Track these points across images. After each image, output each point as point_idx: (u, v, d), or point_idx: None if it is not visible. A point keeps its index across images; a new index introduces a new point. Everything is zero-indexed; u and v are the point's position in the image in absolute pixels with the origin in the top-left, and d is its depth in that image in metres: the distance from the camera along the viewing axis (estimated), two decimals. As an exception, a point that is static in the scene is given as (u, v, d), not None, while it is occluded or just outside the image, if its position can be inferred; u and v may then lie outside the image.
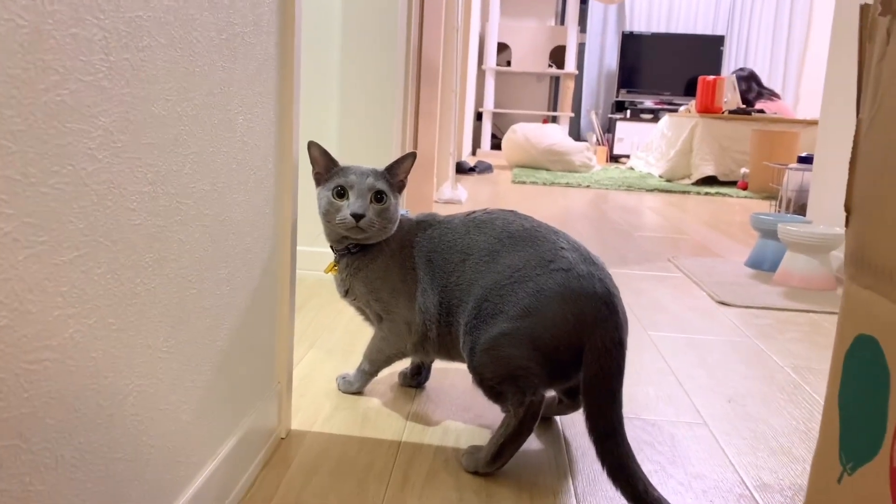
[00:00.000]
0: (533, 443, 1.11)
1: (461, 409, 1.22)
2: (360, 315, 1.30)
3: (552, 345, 0.98)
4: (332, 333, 1.57)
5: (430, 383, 1.32)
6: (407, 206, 2.34)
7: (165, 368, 0.70)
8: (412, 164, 1.21)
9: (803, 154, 3.18)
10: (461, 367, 1.14)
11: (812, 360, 1.57)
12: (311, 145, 1.17)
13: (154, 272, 0.66)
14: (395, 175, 1.18)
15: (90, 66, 0.54)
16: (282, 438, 1.07)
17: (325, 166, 1.18)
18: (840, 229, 2.26)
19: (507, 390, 1.00)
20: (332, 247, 1.25)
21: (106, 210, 0.57)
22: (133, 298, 0.63)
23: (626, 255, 2.63)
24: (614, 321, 0.99)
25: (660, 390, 1.35)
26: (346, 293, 1.25)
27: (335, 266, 1.24)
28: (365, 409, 1.20)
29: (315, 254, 2.01)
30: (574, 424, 1.18)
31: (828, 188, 2.57)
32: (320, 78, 1.96)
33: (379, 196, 1.14)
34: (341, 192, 1.14)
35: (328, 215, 1.16)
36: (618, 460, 0.91)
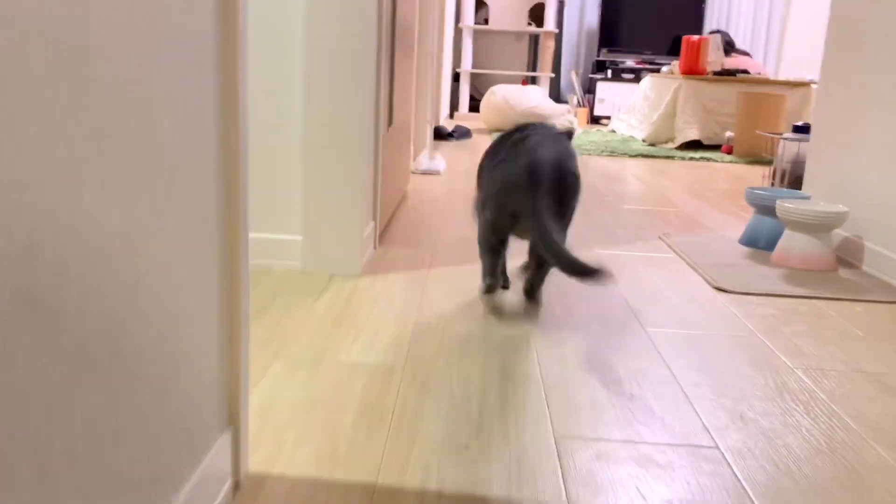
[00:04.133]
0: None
1: (444, 438, 1.09)
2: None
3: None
4: (300, 338, 1.42)
5: (407, 406, 1.18)
6: (382, 178, 2.17)
7: (69, 457, 0.54)
8: None
9: (799, 123, 3.04)
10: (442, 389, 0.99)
11: (823, 359, 1.45)
12: None
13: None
14: None
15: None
16: (234, 489, 0.93)
17: None
18: (842, 207, 2.14)
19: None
20: None
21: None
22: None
23: (616, 233, 2.49)
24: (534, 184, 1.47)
25: (663, 405, 1.22)
26: None
27: None
28: (334, 440, 1.06)
29: (282, 242, 1.85)
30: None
31: (826, 160, 2.44)
32: (281, 48, 1.77)
33: None
34: None
35: None
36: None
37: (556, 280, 1.87)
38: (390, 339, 1.43)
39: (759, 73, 5.66)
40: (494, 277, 1.64)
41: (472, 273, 1.91)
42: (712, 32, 6.36)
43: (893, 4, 2.12)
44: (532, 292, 1.69)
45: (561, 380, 1.29)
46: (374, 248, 2.11)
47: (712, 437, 1.11)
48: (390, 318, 1.55)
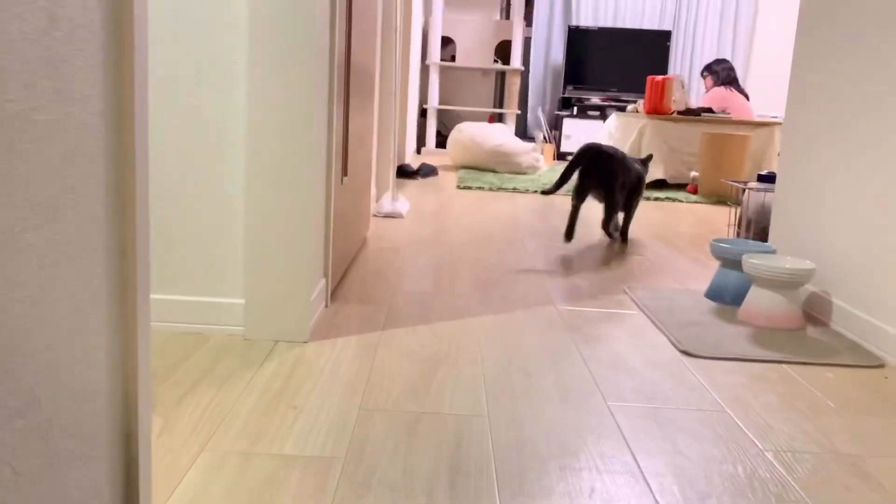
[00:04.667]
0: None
1: (383, 547, 0.97)
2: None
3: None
4: (232, 423, 1.30)
5: (347, 504, 1.07)
6: (335, 230, 2.07)
7: None
8: None
9: (764, 172, 3.01)
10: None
11: (794, 438, 1.37)
12: None
13: None
14: None
15: None
16: None
17: None
18: (810, 263, 2.08)
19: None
20: None
21: None
22: None
23: (580, 285, 2.41)
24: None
25: (625, 498, 1.12)
26: None
27: None
28: (259, 557, 0.94)
29: (222, 306, 1.73)
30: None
31: (791, 212, 2.39)
32: (222, 96, 1.67)
33: None
34: None
35: None
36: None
37: (518, 351, 1.78)
38: (332, 422, 1.32)
39: (725, 113, 5.68)
40: (572, 220, 2.97)
41: (428, 335, 1.81)
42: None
43: (858, 48, 2.09)
44: (623, 235, 3.18)
45: (516, 472, 1.18)
46: (326, 306, 2.00)
47: (679, 544, 1.02)
48: (335, 394, 1.44)
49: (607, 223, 3.03)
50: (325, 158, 1.87)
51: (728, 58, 7.59)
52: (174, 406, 1.35)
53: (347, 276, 2.36)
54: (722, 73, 6.01)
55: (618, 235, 3.16)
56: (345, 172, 2.19)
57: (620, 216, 3.17)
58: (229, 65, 1.66)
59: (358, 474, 1.14)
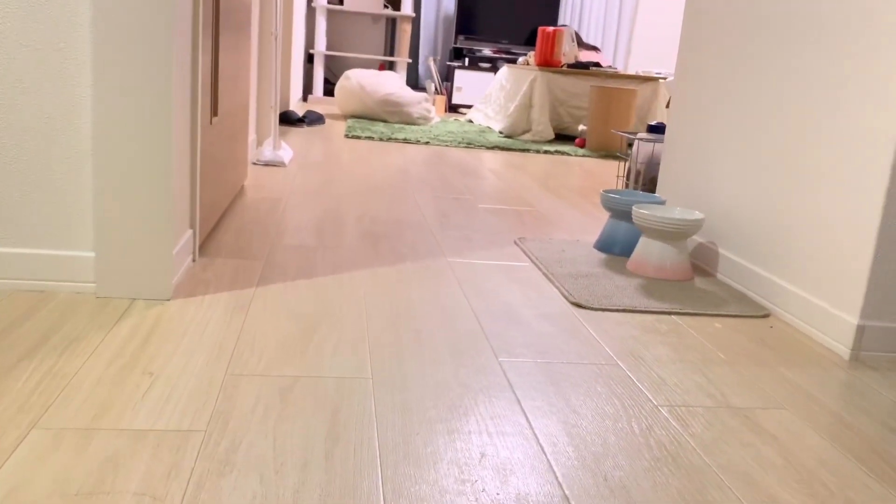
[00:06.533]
0: None
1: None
2: None
3: None
4: (73, 395, 1.12)
5: (200, 493, 0.92)
6: (204, 177, 1.87)
7: None
8: None
9: (654, 122, 3.00)
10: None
11: (688, 392, 1.33)
12: None
13: None
14: None
15: None
16: None
17: None
18: (699, 214, 2.07)
19: None
20: None
21: None
22: None
23: (471, 237, 2.32)
24: None
25: (519, 468, 1.04)
26: None
27: None
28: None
29: (69, 259, 1.52)
30: None
31: (680, 163, 2.38)
32: (65, 28, 1.43)
33: None
34: None
35: None
36: None
37: (407, 307, 1.67)
38: (193, 390, 1.17)
39: (611, 67, 5.72)
40: None
41: (309, 291, 1.67)
42: (561, 25, 6.39)
43: (749, 2, 2.06)
44: None
45: (401, 440, 1.08)
46: (193, 260, 1.81)
47: (575, 512, 0.94)
48: (198, 358, 1.28)
49: None
50: (189, 95, 1.67)
51: (616, 13, 7.66)
52: (3, 376, 1.15)
53: (220, 227, 2.16)
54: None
55: None
56: (214, 112, 1.98)
57: None
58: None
59: (220, 449, 1.00)
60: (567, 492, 0.98)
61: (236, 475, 0.95)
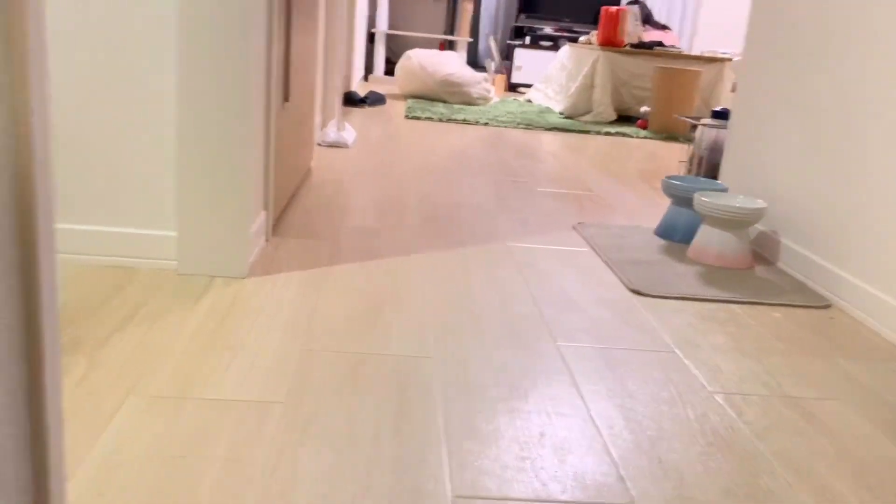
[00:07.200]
0: None
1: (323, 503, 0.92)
2: None
3: None
4: (163, 365, 1.21)
5: (282, 459, 1.01)
6: (277, 160, 1.96)
7: None
8: None
9: (718, 108, 2.97)
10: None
11: (744, 380, 1.36)
12: None
13: None
14: None
15: None
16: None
17: None
18: (761, 202, 2.06)
19: None
20: None
21: None
22: None
23: (528, 220, 2.36)
24: None
25: (576, 449, 1.09)
26: None
27: None
28: (189, 511, 0.87)
29: (153, 238, 1.62)
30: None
31: (743, 150, 2.36)
32: (151, 21, 1.52)
33: None
34: None
35: None
36: None
37: (467, 290, 1.72)
38: (271, 363, 1.25)
39: (675, 47, 5.63)
40: None
41: (374, 271, 1.74)
42: (630, 3, 6.29)
43: (818, -9, 2.03)
44: None
45: (465, 417, 1.14)
46: (267, 240, 1.90)
47: (629, 490, 0.99)
48: (275, 333, 1.37)
49: None
50: (265, 80, 1.75)
51: (682, -9, 7.49)
52: (99, 346, 1.26)
53: (290, 208, 2.26)
54: (641, 16, 6.00)
55: None
56: (286, 97, 2.06)
57: None
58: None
59: (298, 420, 1.08)
60: (622, 472, 1.03)
61: (313, 445, 1.03)
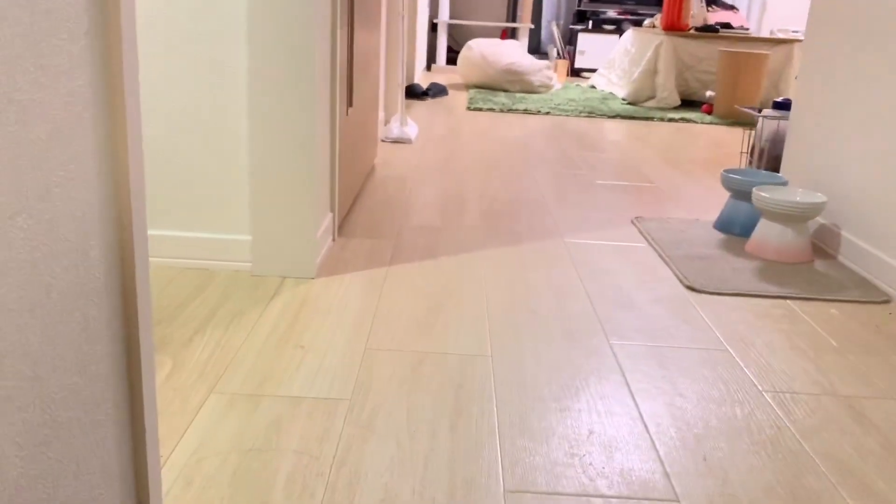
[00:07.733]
0: None
1: (384, 497, 1.01)
2: None
3: None
4: (241, 364, 1.33)
5: (349, 454, 1.10)
6: (342, 164, 2.05)
7: None
8: None
9: (779, 99, 2.93)
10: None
11: (794, 378, 1.39)
12: None
13: None
14: None
15: None
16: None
17: None
18: (821, 196, 2.05)
19: None
20: None
21: None
22: None
23: (588, 215, 2.40)
24: None
25: (623, 446, 1.15)
26: None
27: None
28: None
29: (229, 242, 1.74)
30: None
31: (805, 142, 2.34)
32: (220, 33, 1.63)
33: None
34: None
35: None
36: None
37: (524, 288, 1.79)
38: (338, 362, 1.35)
39: (743, 28, 5.50)
40: None
41: (435, 270, 1.82)
42: None
43: (882, -19, 1.99)
44: None
45: (517, 415, 1.21)
46: (333, 240, 2.00)
47: (673, 488, 1.05)
48: (341, 333, 1.46)
49: None
50: (329, 89, 1.84)
51: (751, -32, 7.27)
52: (183, 347, 1.38)
53: (355, 207, 2.36)
54: None
55: None
56: (350, 103, 2.16)
57: None
58: (227, 3, 1.61)
59: (363, 416, 1.18)
60: (668, 469, 1.09)
61: (377, 439, 1.12)
